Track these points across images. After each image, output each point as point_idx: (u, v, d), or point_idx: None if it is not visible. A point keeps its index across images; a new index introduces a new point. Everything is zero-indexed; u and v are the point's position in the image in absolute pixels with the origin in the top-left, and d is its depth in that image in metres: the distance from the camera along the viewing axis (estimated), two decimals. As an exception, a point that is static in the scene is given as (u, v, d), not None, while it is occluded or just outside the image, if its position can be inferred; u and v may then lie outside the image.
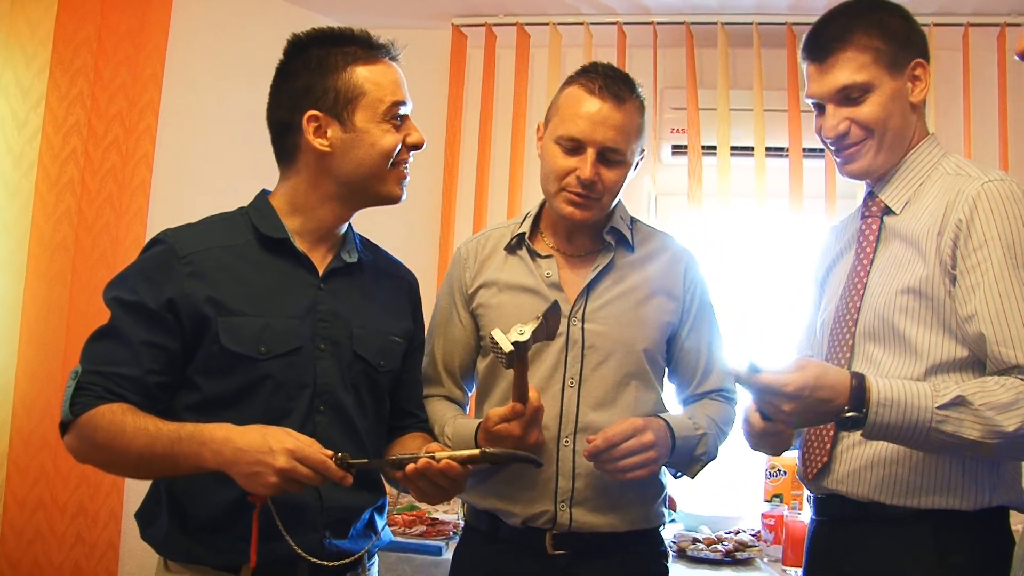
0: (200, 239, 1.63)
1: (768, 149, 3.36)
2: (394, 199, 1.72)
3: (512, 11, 3.46)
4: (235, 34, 3.26)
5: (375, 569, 1.79)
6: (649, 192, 3.59)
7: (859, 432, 1.52)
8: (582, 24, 3.44)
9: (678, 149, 3.46)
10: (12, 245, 2.77)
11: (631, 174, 1.89)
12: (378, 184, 1.68)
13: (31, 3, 2.81)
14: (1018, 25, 3.21)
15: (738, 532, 2.80)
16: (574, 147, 1.81)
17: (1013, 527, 1.63)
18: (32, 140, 2.80)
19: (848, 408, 1.47)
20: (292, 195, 1.69)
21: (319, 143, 1.63)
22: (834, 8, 1.75)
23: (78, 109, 2.88)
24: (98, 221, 2.90)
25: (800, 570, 2.47)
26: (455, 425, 1.87)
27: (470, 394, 2.04)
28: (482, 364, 1.95)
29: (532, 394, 1.68)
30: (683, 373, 1.95)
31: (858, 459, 1.63)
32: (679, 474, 1.94)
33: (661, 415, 1.85)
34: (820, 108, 1.73)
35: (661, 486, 1.94)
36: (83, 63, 2.89)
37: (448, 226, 3.47)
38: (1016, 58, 1.24)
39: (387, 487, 1.78)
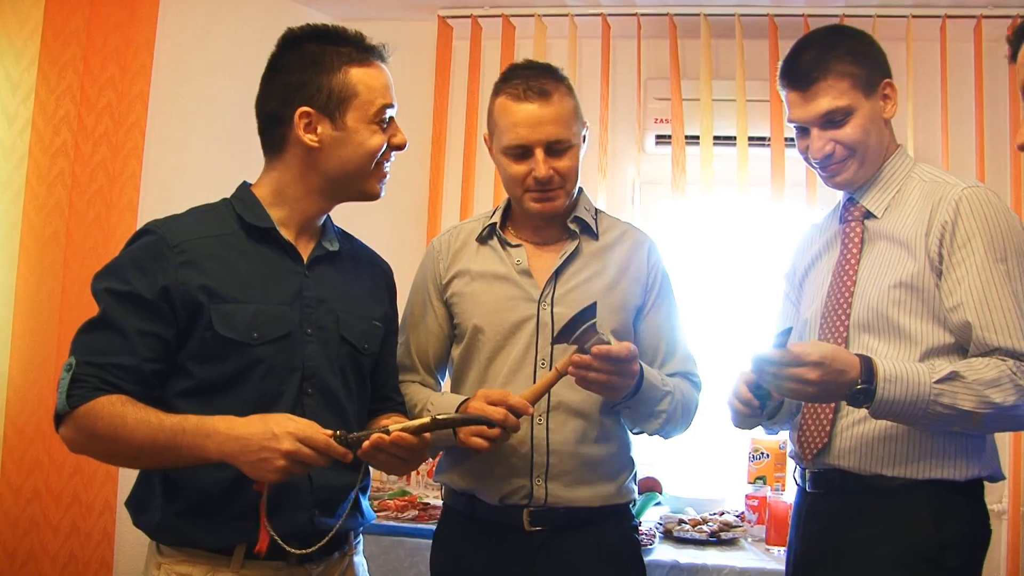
0: (189, 229, 1.66)
1: (750, 139, 3.41)
2: (374, 196, 1.78)
3: (497, 3, 3.50)
4: (223, 26, 3.29)
5: (361, 548, 1.85)
6: (633, 181, 3.63)
7: (866, 409, 1.65)
8: (567, 16, 3.48)
9: (662, 139, 3.51)
10: (3, 238, 2.79)
11: (582, 151, 1.98)
12: (361, 182, 1.74)
13: (20, -4, 2.83)
14: (994, 17, 3.27)
15: (722, 513, 2.86)
16: (521, 153, 1.91)
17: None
18: (22, 133, 2.81)
19: (861, 380, 1.61)
20: (277, 186, 1.73)
21: (309, 139, 1.67)
22: (804, 38, 1.95)
23: (67, 102, 2.89)
24: (89, 213, 2.92)
25: (783, 549, 2.56)
26: (440, 398, 1.95)
27: (443, 382, 2.11)
28: (456, 351, 2.03)
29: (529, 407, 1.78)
30: (646, 354, 2.00)
31: (858, 436, 1.78)
32: (637, 429, 1.99)
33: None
34: (803, 131, 1.90)
35: (631, 462, 2.02)
36: (72, 56, 2.91)
37: (435, 217, 3.51)
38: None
39: (372, 469, 1.83)
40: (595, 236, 2.01)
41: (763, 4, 3.37)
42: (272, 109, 1.72)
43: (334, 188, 1.74)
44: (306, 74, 1.68)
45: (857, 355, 1.66)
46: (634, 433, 2.02)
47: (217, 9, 3.28)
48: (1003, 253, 1.71)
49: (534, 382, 1.88)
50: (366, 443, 1.57)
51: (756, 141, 3.43)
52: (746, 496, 2.90)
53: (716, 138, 3.43)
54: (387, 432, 1.57)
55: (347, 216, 1.88)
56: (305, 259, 1.73)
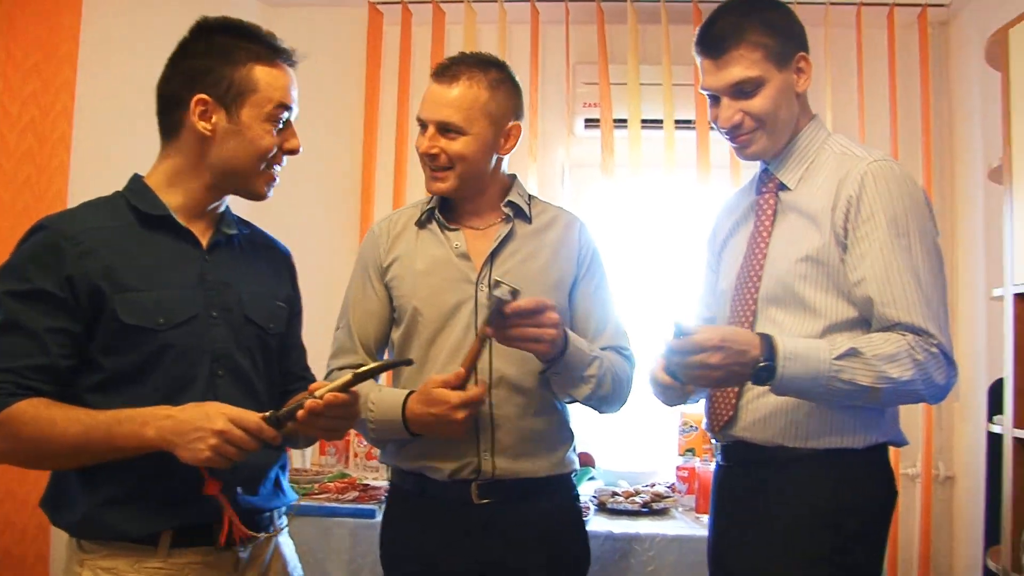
0: (83, 221, 1.66)
1: (677, 122, 3.50)
2: (259, 197, 1.77)
3: (428, -11, 3.52)
4: (149, 12, 3.23)
5: (286, 528, 1.86)
6: (563, 164, 3.69)
7: (768, 387, 1.68)
8: (496, 1, 3.52)
9: (590, 122, 3.58)
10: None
11: (497, 151, 2.03)
12: (247, 180, 1.74)
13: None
14: (906, 6, 3.42)
15: (654, 485, 2.96)
16: (422, 125, 2.03)
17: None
18: (-56, 123, 2.76)
19: (762, 358, 1.64)
20: (171, 172, 1.73)
21: (202, 126, 1.68)
22: (722, 6, 1.91)
23: (-10, 91, 2.85)
24: (15, 206, 2.87)
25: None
26: (381, 393, 1.98)
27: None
28: (396, 334, 2.07)
29: (480, 389, 1.87)
30: (579, 328, 2.06)
31: (761, 409, 1.82)
32: (568, 398, 2.04)
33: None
34: (715, 99, 1.89)
35: (571, 434, 2.10)
36: (-6, 44, 2.86)
37: (368, 204, 3.53)
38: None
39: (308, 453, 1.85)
40: (528, 220, 2.08)
41: (688, -9, 3.46)
42: (172, 91, 1.72)
43: (221, 181, 1.74)
44: (210, 62, 1.68)
45: (758, 334, 1.69)
46: (566, 402, 2.07)
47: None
48: (905, 228, 1.73)
49: (474, 365, 1.92)
50: (300, 412, 1.57)
51: (682, 124, 3.52)
52: (676, 468, 3.00)
53: (644, 121, 3.51)
54: (318, 397, 1.58)
55: (278, 203, 1.90)
56: (204, 244, 1.74)
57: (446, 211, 2.08)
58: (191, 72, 1.70)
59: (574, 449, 2.11)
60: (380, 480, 2.98)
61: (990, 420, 2.76)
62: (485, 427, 1.96)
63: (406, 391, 1.94)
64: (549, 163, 3.65)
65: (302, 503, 2.72)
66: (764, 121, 1.84)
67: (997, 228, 2.94)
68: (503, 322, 1.79)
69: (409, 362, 1.81)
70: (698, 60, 1.90)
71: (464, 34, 3.53)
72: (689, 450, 3.05)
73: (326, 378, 2.04)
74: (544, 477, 2.00)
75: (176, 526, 1.60)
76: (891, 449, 1.86)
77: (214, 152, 1.70)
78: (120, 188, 1.78)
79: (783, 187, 1.89)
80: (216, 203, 1.78)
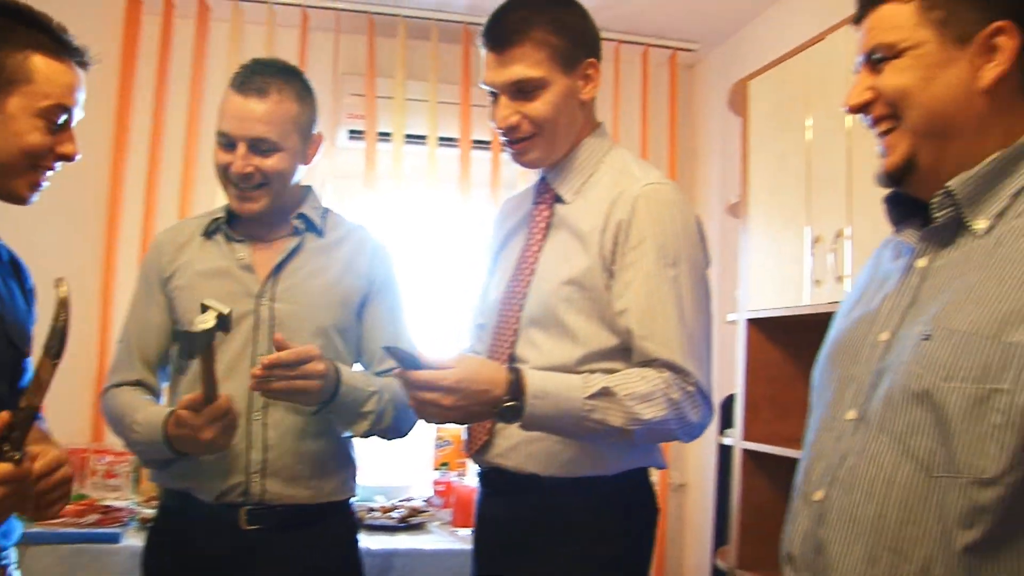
0: None
1: (440, 139, 3.56)
2: (19, 200, 1.60)
3: (192, -20, 3.40)
4: None
5: (14, 565, 1.69)
6: (324, 175, 3.65)
7: (518, 424, 1.59)
8: (266, 3, 3.44)
9: (355, 134, 3.57)
10: None
11: (303, 163, 1.95)
12: (6, 179, 1.56)
13: None
14: (659, 47, 3.67)
15: (411, 499, 2.98)
16: (227, 142, 1.87)
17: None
18: None
19: (507, 397, 1.54)
20: None
21: None
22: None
23: None
24: None
25: (469, 530, 2.71)
26: (146, 412, 1.85)
27: (164, 385, 2.02)
28: (174, 348, 1.96)
29: (222, 398, 1.71)
30: (367, 352, 2.00)
31: (517, 435, 1.71)
32: (347, 433, 1.96)
33: (338, 364, 1.85)
34: (495, 96, 1.77)
35: (351, 459, 2.01)
36: None
37: (116, 198, 3.34)
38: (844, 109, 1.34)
39: None
40: (320, 234, 1.98)
41: (459, 12, 3.54)
42: None
43: None
44: None
45: (509, 368, 1.60)
46: (344, 436, 1.97)
47: None
48: (674, 258, 1.65)
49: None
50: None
51: (446, 141, 3.58)
52: (433, 482, 3.04)
53: (408, 136, 3.55)
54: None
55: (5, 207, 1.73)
56: None
57: (233, 222, 1.97)
58: None
59: (354, 475, 2.01)
60: (122, 501, 2.80)
61: (721, 433, 3.00)
62: (256, 448, 1.84)
63: (167, 410, 1.81)
64: (309, 172, 3.58)
65: (34, 529, 2.45)
66: (542, 127, 1.73)
67: (731, 258, 3.22)
68: (208, 353, 1.66)
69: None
70: (482, 53, 1.78)
71: (230, 32, 3.43)
72: (444, 464, 3.10)
73: (100, 397, 1.95)
74: (318, 504, 1.90)
75: None
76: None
77: None
78: None
79: (559, 199, 1.79)
80: None
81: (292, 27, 3.50)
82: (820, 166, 2.52)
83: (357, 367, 2.01)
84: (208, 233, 1.97)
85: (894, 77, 1.21)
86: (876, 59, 1.23)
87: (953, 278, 1.18)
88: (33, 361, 1.66)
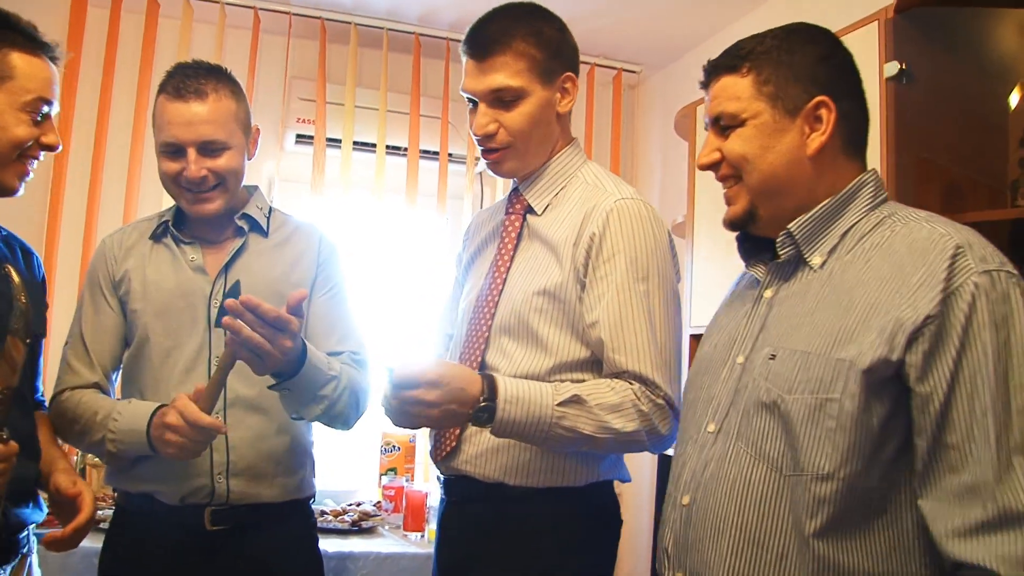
0: None
1: (388, 147, 3.59)
2: (10, 191, 1.69)
3: (143, -24, 3.34)
4: None
5: (35, 548, 1.77)
6: (271, 178, 3.65)
7: (488, 428, 1.62)
8: (218, 3, 3.42)
9: (303, 139, 3.57)
10: None
11: (247, 158, 1.97)
12: None
13: None
14: (604, 67, 3.79)
15: (359, 504, 3.00)
16: (174, 151, 1.87)
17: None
18: None
19: (482, 398, 1.58)
20: None
21: None
22: (497, 8, 1.82)
23: None
24: None
25: (419, 534, 2.76)
26: (129, 410, 1.83)
27: (115, 385, 2.01)
28: (127, 354, 1.95)
29: (222, 424, 1.73)
30: (315, 338, 1.97)
31: (484, 442, 1.74)
32: (296, 415, 1.92)
33: (306, 342, 1.82)
34: (474, 103, 1.81)
35: (310, 456, 2.03)
36: None
37: (57, 202, 3.24)
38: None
39: None
40: (265, 234, 2.00)
41: (411, 23, 3.58)
42: None
43: None
44: None
45: (481, 374, 1.63)
46: (293, 419, 1.93)
47: None
48: (645, 272, 1.69)
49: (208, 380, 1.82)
50: None
51: (394, 150, 3.62)
52: (383, 486, 3.07)
53: (356, 143, 3.57)
54: None
55: None
56: None
57: (179, 224, 1.98)
58: None
59: (313, 472, 2.04)
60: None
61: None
62: (219, 449, 1.85)
63: (152, 407, 1.80)
64: (255, 175, 3.57)
65: None
66: (517, 137, 1.77)
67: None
68: (237, 328, 1.64)
69: None
70: (463, 60, 1.82)
71: (179, 31, 3.39)
72: (391, 469, 3.13)
73: (51, 401, 1.92)
74: (280, 503, 1.92)
75: None
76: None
77: None
78: None
79: (531, 211, 1.83)
80: None
81: (243, 28, 3.49)
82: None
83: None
84: (155, 236, 1.98)
85: (737, 145, 1.42)
86: (722, 125, 1.44)
87: (794, 306, 1.38)
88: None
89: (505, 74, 1.74)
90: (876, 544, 1.25)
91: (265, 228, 2.01)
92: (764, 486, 1.31)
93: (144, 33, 3.37)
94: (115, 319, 1.95)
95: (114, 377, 1.99)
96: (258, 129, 2.02)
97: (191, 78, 1.87)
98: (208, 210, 1.90)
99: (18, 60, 1.62)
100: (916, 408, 1.23)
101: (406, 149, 3.61)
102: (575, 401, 1.61)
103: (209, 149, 1.86)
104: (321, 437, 2.10)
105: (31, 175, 1.70)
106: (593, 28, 3.52)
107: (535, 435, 1.62)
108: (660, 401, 1.66)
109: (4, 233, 1.78)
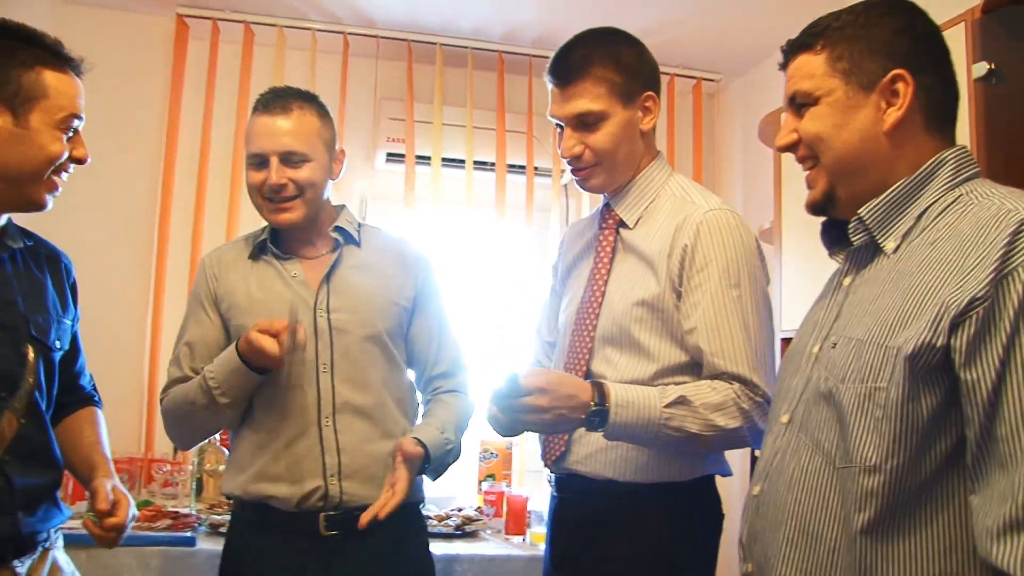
0: None
1: (476, 162, 3.69)
2: (40, 206, 1.73)
3: (239, 7, 3.50)
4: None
5: (60, 542, 1.81)
6: (363, 196, 3.77)
7: (601, 433, 1.71)
8: (309, 30, 3.56)
9: (392, 157, 3.69)
10: None
11: (332, 177, 2.08)
12: (31, 186, 1.69)
13: None
14: (684, 76, 3.84)
15: (461, 509, 3.09)
16: (259, 162, 1.99)
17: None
18: None
19: (594, 403, 1.67)
20: None
21: None
22: (578, 35, 1.93)
23: None
24: None
25: (521, 537, 2.84)
26: (217, 359, 1.96)
27: None
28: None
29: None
30: (419, 357, 2.12)
31: (593, 443, 1.84)
32: (435, 477, 2.08)
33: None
34: (561, 127, 1.91)
35: None
36: None
37: (165, 215, 3.42)
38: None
39: None
40: (358, 244, 2.10)
41: (494, 41, 3.68)
42: None
43: (2, 188, 1.68)
44: None
45: (590, 381, 1.72)
46: (432, 480, 2.10)
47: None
48: (736, 279, 1.77)
49: (317, 388, 1.97)
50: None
51: (481, 165, 3.71)
52: (484, 492, 3.16)
53: (445, 160, 3.67)
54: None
55: (68, 214, 1.87)
56: None
57: (277, 243, 2.08)
58: None
59: (421, 478, 2.08)
60: (181, 507, 2.89)
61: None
62: (331, 452, 1.95)
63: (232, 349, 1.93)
64: (347, 193, 3.70)
65: None
66: (602, 157, 1.87)
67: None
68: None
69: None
70: (549, 87, 1.92)
71: (274, 57, 3.54)
72: (490, 475, 3.21)
73: (164, 396, 2.05)
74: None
75: None
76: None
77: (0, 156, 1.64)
78: None
79: (623, 224, 1.92)
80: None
81: (334, 53, 3.62)
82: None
83: (411, 373, 2.15)
84: (254, 255, 2.08)
85: (811, 124, 1.37)
86: (798, 104, 1.40)
87: (865, 293, 1.33)
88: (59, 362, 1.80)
89: (586, 99, 1.85)
90: (930, 544, 1.19)
91: (357, 239, 2.10)
92: (819, 478, 1.29)
93: (241, 62, 3.53)
94: (216, 331, 2.06)
95: None
96: (343, 152, 2.11)
97: (280, 97, 2.00)
98: (287, 219, 1.99)
99: (50, 78, 1.66)
100: (964, 397, 1.16)
101: (493, 164, 3.70)
102: (681, 402, 1.70)
103: (290, 160, 1.96)
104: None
105: (60, 189, 1.74)
106: (670, 39, 3.58)
107: (645, 436, 1.71)
108: (759, 399, 1.74)
109: (30, 243, 1.82)
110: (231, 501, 2.11)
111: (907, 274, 1.25)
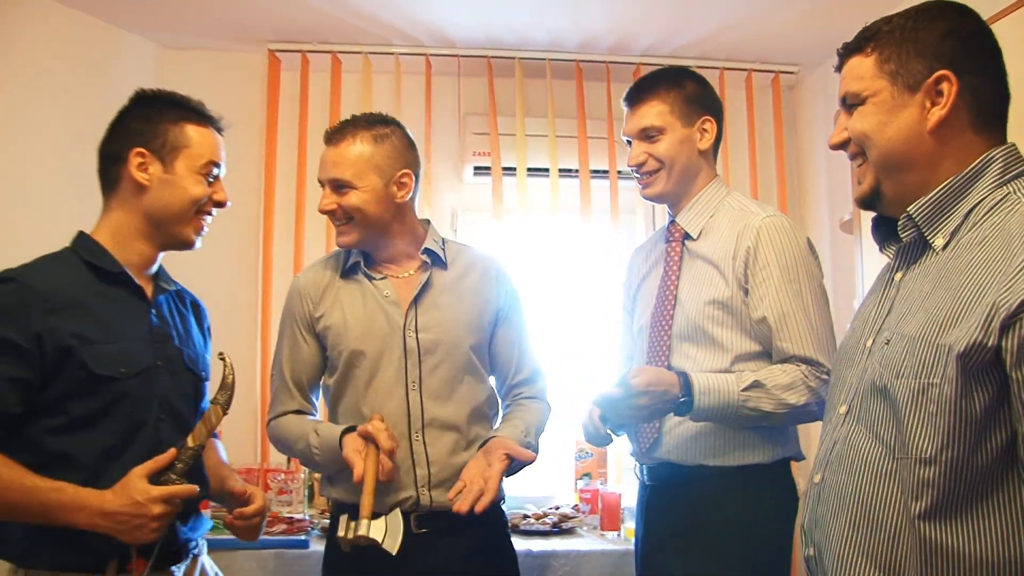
0: (48, 278, 1.79)
1: (561, 170, 3.79)
2: (189, 244, 1.96)
3: (326, 38, 3.68)
4: (49, 53, 3.28)
5: (206, 548, 2.01)
6: (453, 209, 3.92)
7: (687, 416, 1.98)
8: (392, 54, 3.72)
9: (479, 170, 3.82)
10: None
11: (383, 194, 2.13)
12: (179, 225, 1.91)
13: None
14: (762, 71, 3.87)
15: (558, 507, 3.20)
16: (322, 186, 2.17)
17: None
18: None
19: (681, 395, 1.94)
20: (114, 229, 1.89)
21: (140, 176, 1.86)
22: (653, 71, 2.28)
23: None
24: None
25: (615, 533, 2.93)
26: (322, 436, 2.09)
27: (318, 403, 2.27)
28: (331, 379, 2.19)
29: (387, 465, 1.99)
30: (501, 366, 2.26)
31: (683, 434, 2.10)
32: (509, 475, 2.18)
33: (500, 436, 2.11)
34: (631, 143, 2.22)
35: None
36: None
37: (268, 239, 3.63)
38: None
39: None
40: (445, 266, 2.22)
41: (570, 51, 3.77)
42: (112, 149, 1.90)
43: (155, 230, 1.90)
44: (147, 123, 1.89)
45: (677, 373, 1.98)
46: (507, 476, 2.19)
47: (42, 34, 3.26)
48: (795, 274, 2.04)
49: (407, 404, 2.10)
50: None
51: (565, 172, 3.81)
52: (580, 490, 3.26)
53: (530, 170, 3.78)
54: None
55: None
56: (150, 298, 1.91)
57: (368, 262, 2.21)
58: (129, 131, 1.90)
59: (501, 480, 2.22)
60: (296, 513, 3.08)
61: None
62: (421, 464, 2.09)
63: (339, 431, 2.05)
64: (439, 208, 3.85)
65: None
66: (663, 163, 2.16)
67: (844, 273, 3.37)
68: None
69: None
70: (625, 112, 2.25)
71: (362, 83, 3.71)
72: (586, 474, 3.31)
73: (270, 422, 2.23)
74: None
75: (120, 555, 1.73)
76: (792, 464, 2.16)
77: (150, 200, 1.87)
78: (22, 221, 2.02)
79: (688, 236, 2.18)
80: (154, 260, 1.94)
81: (417, 74, 3.77)
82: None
83: (492, 380, 2.28)
84: (346, 274, 2.21)
85: (858, 122, 1.44)
86: (849, 104, 1.47)
87: (915, 289, 1.39)
88: (209, 398, 1.98)
89: (650, 115, 2.17)
90: (990, 530, 1.24)
91: (444, 260, 2.23)
92: (878, 466, 1.35)
93: (330, 89, 3.71)
94: (311, 352, 2.20)
95: (314, 397, 2.25)
96: (408, 174, 2.16)
97: (343, 127, 2.15)
98: (344, 242, 2.16)
99: (192, 131, 1.91)
100: (1014, 395, 1.21)
101: (577, 171, 3.79)
102: (756, 385, 1.97)
103: (338, 186, 2.12)
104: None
105: (206, 229, 1.97)
106: (744, 35, 3.62)
107: (726, 417, 1.98)
108: (824, 376, 1.96)
109: (176, 288, 2.04)
110: (331, 504, 2.26)
111: (957, 272, 1.30)
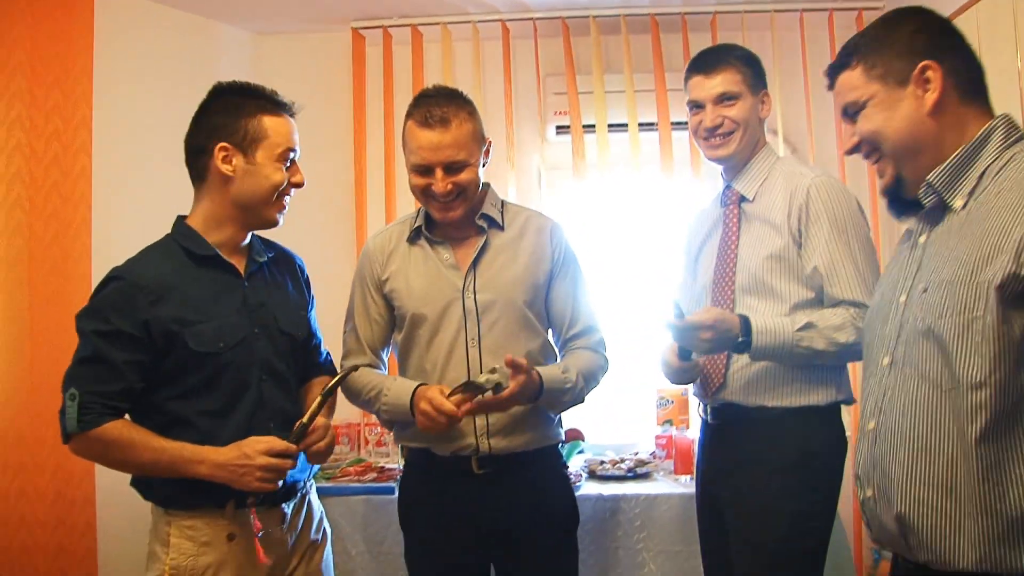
0: (149, 270, 2.04)
1: (640, 124, 3.84)
2: (273, 224, 2.16)
3: (407, 12, 3.83)
4: (152, 48, 3.54)
5: (314, 488, 2.29)
6: (538, 168, 4.02)
7: (747, 355, 2.19)
8: (470, 23, 3.83)
9: (561, 129, 3.90)
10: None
11: (482, 166, 2.31)
12: (264, 209, 2.11)
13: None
14: (844, 10, 3.79)
15: (637, 453, 3.31)
16: (424, 171, 2.25)
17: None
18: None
19: (741, 335, 2.14)
20: (205, 215, 2.12)
21: (225, 168, 2.06)
22: (713, 46, 2.53)
23: (18, 131, 3.14)
24: (47, 234, 3.16)
25: (688, 476, 3.02)
26: (394, 392, 2.27)
27: (386, 358, 2.48)
28: (398, 336, 2.39)
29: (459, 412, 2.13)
30: (556, 320, 2.40)
31: (745, 377, 2.30)
32: (552, 413, 2.37)
33: (537, 368, 2.23)
34: (698, 108, 2.40)
35: (549, 415, 2.38)
36: (18, 87, 3.15)
37: (362, 214, 3.84)
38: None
39: None
40: (501, 228, 2.37)
41: (644, 5, 3.79)
42: (197, 143, 2.10)
43: (241, 215, 2.10)
44: (228, 117, 2.08)
45: (739, 315, 2.18)
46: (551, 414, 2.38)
47: (145, 34, 3.51)
48: (844, 226, 2.23)
49: (467, 360, 2.27)
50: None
51: (645, 126, 3.85)
52: (656, 436, 3.35)
53: (610, 126, 3.84)
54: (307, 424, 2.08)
55: (287, 221, 2.21)
56: (243, 273, 2.13)
57: (430, 228, 2.37)
58: (211, 126, 2.09)
59: (559, 423, 2.41)
60: (391, 463, 3.31)
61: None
62: (480, 415, 2.25)
63: (412, 387, 2.24)
64: (525, 168, 3.96)
65: (330, 485, 3.11)
66: (739, 124, 2.36)
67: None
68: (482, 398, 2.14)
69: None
70: (688, 80, 2.44)
71: (442, 52, 3.84)
72: (667, 421, 3.40)
73: (340, 370, 2.38)
74: (533, 450, 2.30)
75: (238, 496, 2.02)
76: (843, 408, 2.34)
77: (236, 189, 2.08)
78: (136, 213, 2.27)
79: (744, 199, 2.38)
80: (245, 237, 2.16)
81: (495, 39, 3.87)
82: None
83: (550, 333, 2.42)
84: (411, 239, 2.38)
85: (865, 124, 1.63)
86: (851, 114, 1.65)
87: (942, 245, 1.56)
88: (321, 350, 2.31)
89: (728, 82, 2.37)
90: None
91: (501, 223, 2.37)
92: (929, 403, 1.51)
93: (412, 60, 3.85)
94: (380, 311, 2.40)
95: (384, 353, 2.45)
96: (490, 140, 2.35)
97: (435, 107, 2.23)
98: (453, 217, 2.29)
99: (269, 122, 2.08)
100: None
101: (656, 124, 3.83)
102: (809, 326, 2.16)
103: (453, 168, 2.24)
104: (604, 397, 2.63)
105: (287, 209, 2.16)
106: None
107: (782, 355, 2.18)
108: None
109: (271, 254, 2.25)
110: (402, 449, 2.47)
111: (980, 221, 1.48)
